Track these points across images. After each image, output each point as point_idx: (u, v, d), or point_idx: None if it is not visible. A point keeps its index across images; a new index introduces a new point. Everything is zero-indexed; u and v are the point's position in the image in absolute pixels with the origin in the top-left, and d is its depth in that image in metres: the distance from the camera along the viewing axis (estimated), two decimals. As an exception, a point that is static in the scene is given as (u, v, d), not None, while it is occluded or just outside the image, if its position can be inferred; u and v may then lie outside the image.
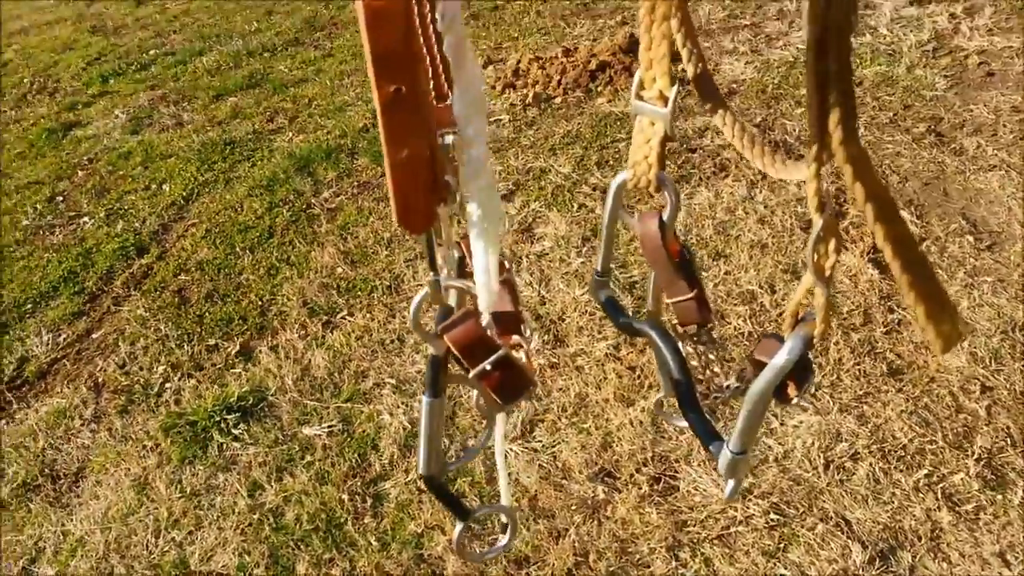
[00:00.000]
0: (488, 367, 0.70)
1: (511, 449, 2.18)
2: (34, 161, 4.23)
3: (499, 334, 0.84)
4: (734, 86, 3.79)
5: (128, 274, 3.17)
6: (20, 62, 5.76)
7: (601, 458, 2.11)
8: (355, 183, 3.52)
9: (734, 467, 0.72)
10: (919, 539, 1.81)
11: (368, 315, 2.72)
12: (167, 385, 2.58)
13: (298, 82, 4.72)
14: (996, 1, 4.16)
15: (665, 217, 0.71)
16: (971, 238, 2.68)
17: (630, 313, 0.85)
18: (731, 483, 0.84)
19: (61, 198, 3.83)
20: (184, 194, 3.65)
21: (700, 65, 0.70)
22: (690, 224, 2.88)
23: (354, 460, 2.21)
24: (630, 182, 0.70)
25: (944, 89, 3.52)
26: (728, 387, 0.84)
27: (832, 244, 0.61)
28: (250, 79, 4.85)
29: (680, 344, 0.79)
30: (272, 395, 2.46)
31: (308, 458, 2.23)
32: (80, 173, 4.03)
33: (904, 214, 2.79)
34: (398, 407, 2.34)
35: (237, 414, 2.38)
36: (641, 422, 2.17)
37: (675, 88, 0.63)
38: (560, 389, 2.32)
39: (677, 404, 0.78)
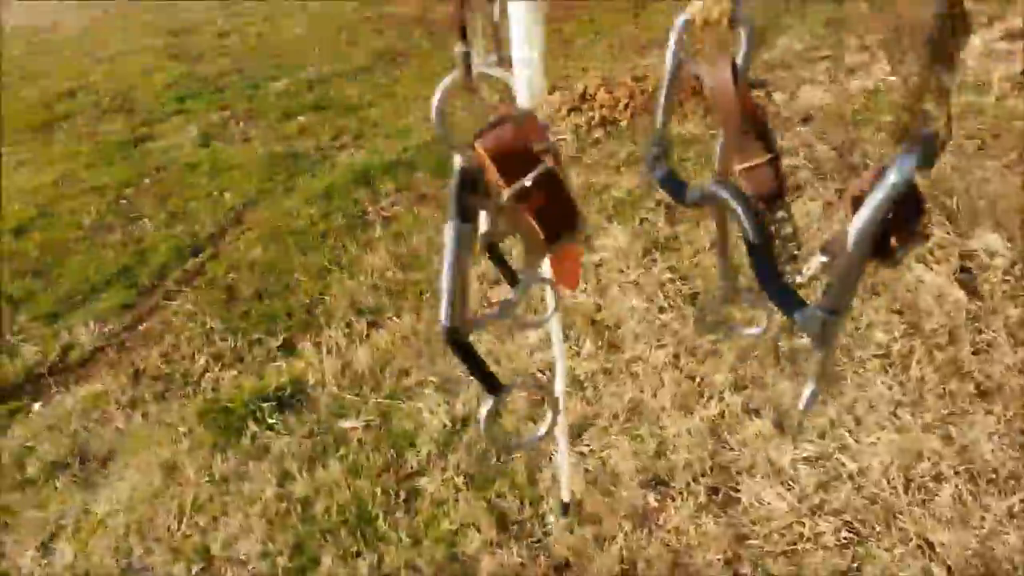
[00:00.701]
0: (528, 183, 0.56)
1: (555, 451, 2.02)
2: (104, 169, 4.31)
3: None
4: (811, 112, 3.64)
5: (181, 271, 3.15)
6: (102, 84, 5.97)
7: (655, 465, 1.93)
8: (413, 195, 3.47)
9: (826, 332, 0.57)
10: (1015, 568, 1.58)
11: (415, 316, 2.62)
12: (207, 375, 2.51)
13: (365, 106, 4.75)
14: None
15: (739, 60, 0.60)
16: (1069, 264, 2.45)
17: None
18: (810, 384, 0.69)
19: (125, 201, 3.87)
20: (244, 201, 3.66)
21: None
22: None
23: (390, 455, 2.08)
24: (699, 16, 0.58)
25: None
26: (808, 269, 0.69)
27: (960, 19, 0.48)
28: (319, 102, 4.91)
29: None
30: (311, 387, 2.36)
31: (342, 451, 2.11)
32: (146, 180, 4.09)
33: (994, 237, 2.59)
34: (440, 405, 2.21)
35: (273, 403, 2.29)
36: (700, 431, 2.00)
37: None
38: (613, 394, 2.17)
39: (754, 273, 0.63)
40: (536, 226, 0.58)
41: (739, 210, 0.63)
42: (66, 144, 4.82)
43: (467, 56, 0.54)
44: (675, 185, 0.70)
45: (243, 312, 2.80)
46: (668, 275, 2.64)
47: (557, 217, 0.59)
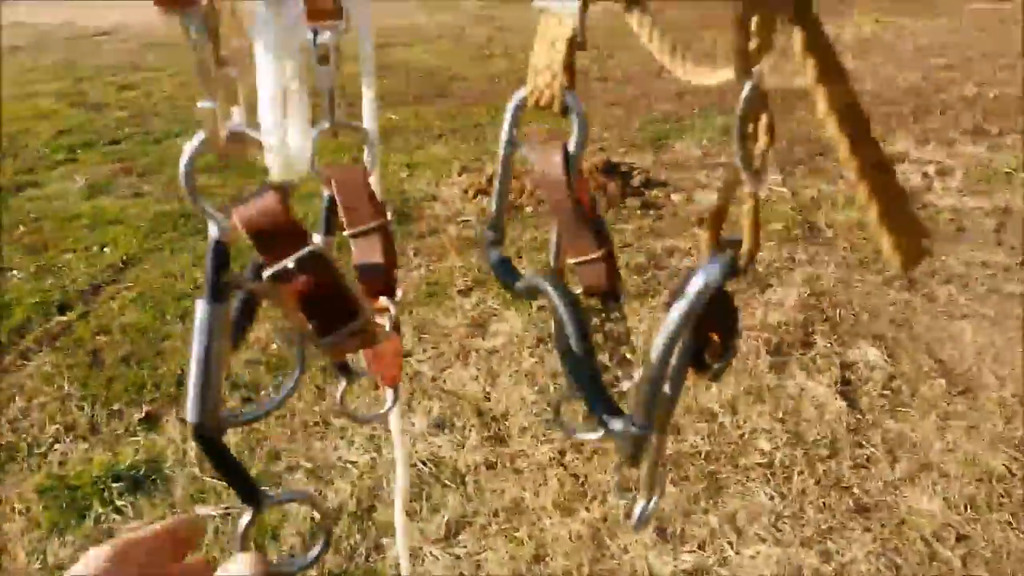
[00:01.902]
0: (291, 265, 0.48)
1: (430, 553, 1.90)
2: (-24, 214, 4.02)
3: (363, 293, 0.63)
4: (705, 215, 3.75)
5: (43, 330, 2.90)
6: (-9, 125, 5.65)
7: (531, 572, 1.84)
8: (308, 265, 3.35)
9: (637, 451, 0.51)
10: None
11: (295, 395, 2.47)
12: (56, 446, 2.28)
13: (267, 169, 4.63)
14: (967, 166, 4.26)
15: (571, 147, 0.55)
16: (943, 381, 2.54)
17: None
18: (640, 500, 0.63)
19: (-7, 250, 3.60)
20: (124, 258, 3.45)
21: None
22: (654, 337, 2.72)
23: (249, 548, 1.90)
24: (530, 98, 0.53)
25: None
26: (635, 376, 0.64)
27: (764, 121, 0.44)
28: (217, 163, 4.75)
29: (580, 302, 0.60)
30: (169, 467, 2.16)
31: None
32: (21, 229, 3.82)
33: (874, 351, 2.68)
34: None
35: (125, 484, 2.08)
36: (580, 535, 1.92)
37: None
38: (494, 491, 2.07)
39: (567, 373, 0.57)
40: (301, 317, 0.50)
41: (559, 306, 0.57)
42: (-62, 183, 4.49)
43: (212, 114, 0.46)
44: (506, 273, 0.64)
45: (106, 379, 2.58)
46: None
47: (328, 308, 0.51)
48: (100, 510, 2.01)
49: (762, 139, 0.42)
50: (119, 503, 2.03)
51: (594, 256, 0.58)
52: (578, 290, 0.61)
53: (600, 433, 0.57)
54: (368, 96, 0.73)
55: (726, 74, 0.45)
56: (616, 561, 1.86)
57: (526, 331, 2.78)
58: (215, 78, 0.45)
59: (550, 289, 0.56)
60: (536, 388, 2.48)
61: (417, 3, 10.52)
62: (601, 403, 0.54)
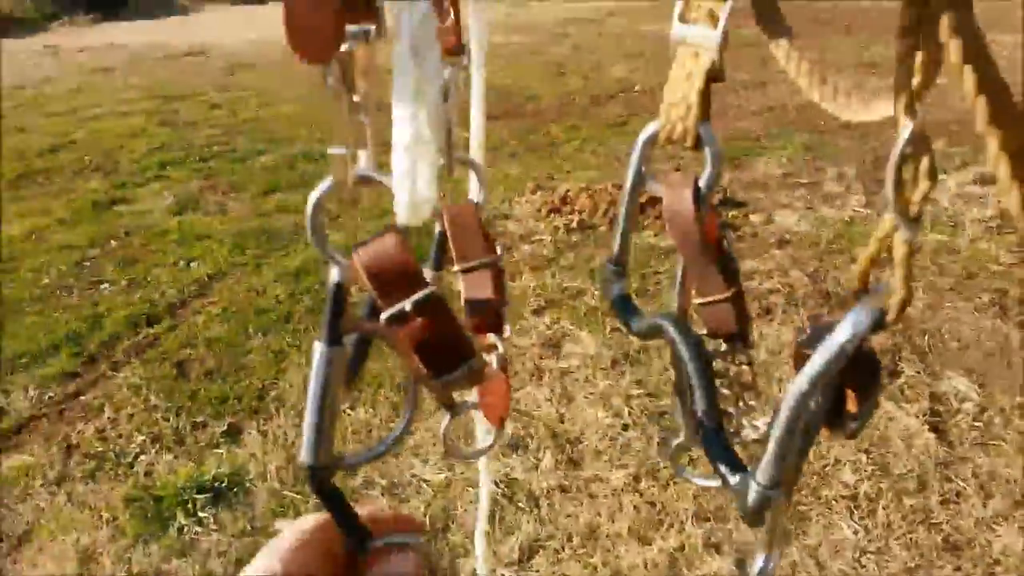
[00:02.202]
0: (408, 308, 0.49)
1: (503, 575, 1.89)
2: (72, 228, 4.22)
3: (471, 328, 0.62)
4: (787, 236, 3.67)
5: (133, 342, 3.03)
6: (86, 143, 5.94)
7: (605, 599, 1.81)
8: (383, 282, 3.40)
9: (762, 509, 0.49)
10: None
11: (371, 410, 2.51)
12: (142, 457, 2.37)
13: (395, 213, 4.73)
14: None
15: (702, 183, 0.52)
16: (1039, 414, 2.42)
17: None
18: (760, 556, 0.59)
19: (88, 263, 3.77)
20: (210, 273, 3.57)
21: None
22: (729, 361, 2.66)
23: (325, 564, 1.94)
24: (662, 132, 0.51)
25: (1010, 264, 3.35)
26: (763, 426, 0.60)
27: (924, 164, 0.41)
28: (302, 179, 4.90)
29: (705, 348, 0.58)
30: (251, 480, 2.22)
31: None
32: (113, 243, 4.00)
33: (964, 381, 2.56)
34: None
35: (209, 495, 2.15)
36: (657, 564, 1.88)
37: (728, 3, 0.47)
38: (568, 515, 2.05)
39: (686, 419, 0.55)
40: (416, 361, 0.50)
41: (681, 350, 0.56)
42: (40, 200, 4.74)
43: (344, 160, 0.46)
44: (627, 311, 0.62)
45: (191, 391, 2.67)
46: (636, 389, 2.57)
47: (442, 351, 0.51)
48: (183, 521, 2.07)
49: (922, 184, 0.40)
50: (202, 515, 2.09)
51: (722, 296, 0.55)
52: (702, 331, 0.59)
53: (718, 483, 0.55)
54: (477, 128, 0.73)
55: (884, 109, 0.43)
56: (693, 592, 1.82)
57: (600, 352, 2.76)
58: (348, 124, 0.46)
59: (672, 331, 0.55)
60: (611, 411, 2.46)
61: (493, 22, 10.66)
62: (723, 456, 0.52)
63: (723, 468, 0.50)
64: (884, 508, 2.05)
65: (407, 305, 0.47)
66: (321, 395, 0.48)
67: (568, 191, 4.15)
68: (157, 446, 2.40)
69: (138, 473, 2.29)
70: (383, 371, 2.72)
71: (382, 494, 2.15)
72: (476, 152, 0.74)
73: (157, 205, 4.55)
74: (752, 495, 0.47)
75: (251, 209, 4.45)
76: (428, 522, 2.06)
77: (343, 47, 0.42)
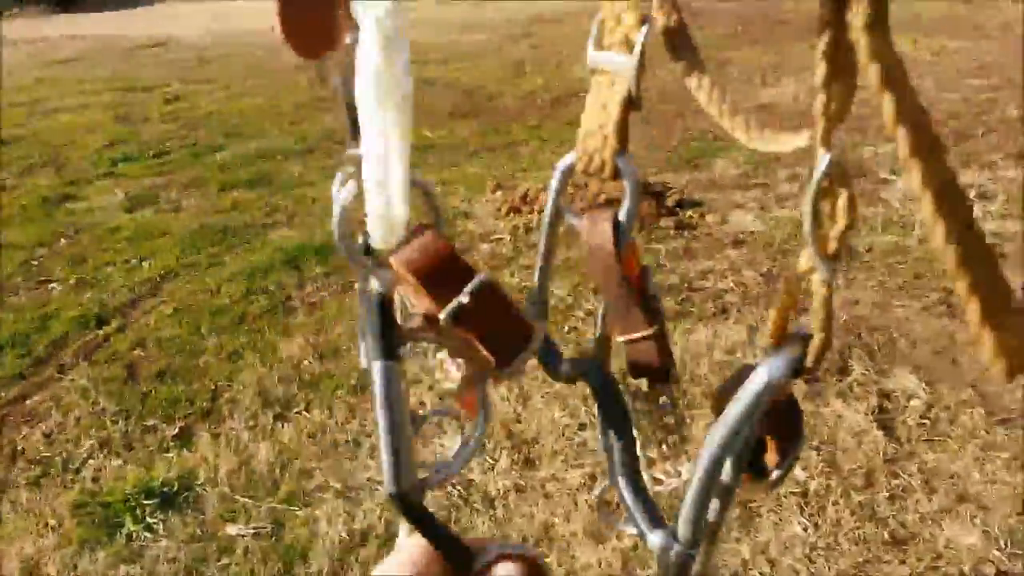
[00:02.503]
0: (466, 300, 0.45)
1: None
2: (21, 226, 4.12)
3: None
4: (742, 236, 3.72)
5: (81, 343, 2.96)
6: (39, 138, 5.80)
7: (559, 600, 1.82)
8: (342, 280, 3.38)
9: (682, 571, 0.47)
10: None
11: (327, 412, 2.48)
12: (90, 461, 2.32)
13: (305, 184, 4.69)
14: (1008, 190, 4.17)
15: (621, 216, 0.50)
16: (982, 411, 2.48)
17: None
18: None
19: (36, 262, 3.68)
20: (163, 272, 3.51)
21: (674, 15, 0.50)
22: (687, 360, 2.68)
23: (277, 569, 1.91)
24: (579, 164, 0.49)
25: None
26: (684, 472, 0.60)
27: (843, 199, 0.39)
28: (258, 176, 4.83)
29: (623, 396, 0.57)
30: (201, 485, 2.18)
31: (225, 560, 1.94)
32: (63, 241, 3.91)
33: (912, 378, 2.62)
34: (339, 515, 2.07)
35: (158, 500, 2.11)
36: (611, 563, 1.90)
37: (644, 28, 0.44)
38: (524, 516, 2.06)
39: (608, 475, 0.54)
40: (484, 353, 0.47)
41: (603, 401, 0.55)
42: (-15, 196, 4.62)
43: (358, 160, 0.44)
44: (549, 355, 0.59)
45: (142, 394, 2.62)
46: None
47: (509, 335, 0.47)
48: (131, 527, 2.03)
49: (840, 220, 0.38)
50: (150, 520, 2.05)
51: (644, 335, 0.53)
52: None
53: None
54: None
55: (797, 141, 0.41)
56: (646, 591, 1.84)
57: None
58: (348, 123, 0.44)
59: (593, 380, 0.53)
60: (568, 410, 2.47)
61: (453, 21, 10.60)
62: (641, 511, 0.50)
63: (641, 523, 0.50)
64: (833, 504, 2.09)
65: (464, 298, 0.45)
66: (391, 415, 0.46)
67: (528, 190, 4.15)
68: (105, 451, 2.35)
69: (85, 479, 2.24)
70: (338, 372, 2.70)
71: (336, 497, 2.13)
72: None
73: (109, 202, 4.46)
74: (671, 558, 0.46)
75: (207, 206, 4.38)
76: (381, 525, 2.05)
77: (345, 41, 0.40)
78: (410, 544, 0.46)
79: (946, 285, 3.25)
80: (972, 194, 4.14)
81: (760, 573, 1.88)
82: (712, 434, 0.43)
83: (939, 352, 2.79)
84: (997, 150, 4.50)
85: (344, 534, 2.00)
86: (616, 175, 0.47)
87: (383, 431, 0.46)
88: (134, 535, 2.02)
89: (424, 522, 0.48)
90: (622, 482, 0.52)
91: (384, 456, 0.46)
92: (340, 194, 0.45)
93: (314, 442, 2.36)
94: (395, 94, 0.40)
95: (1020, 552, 1.95)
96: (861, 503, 2.10)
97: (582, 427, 2.39)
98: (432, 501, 2.10)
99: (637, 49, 0.44)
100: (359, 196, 0.47)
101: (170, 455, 2.31)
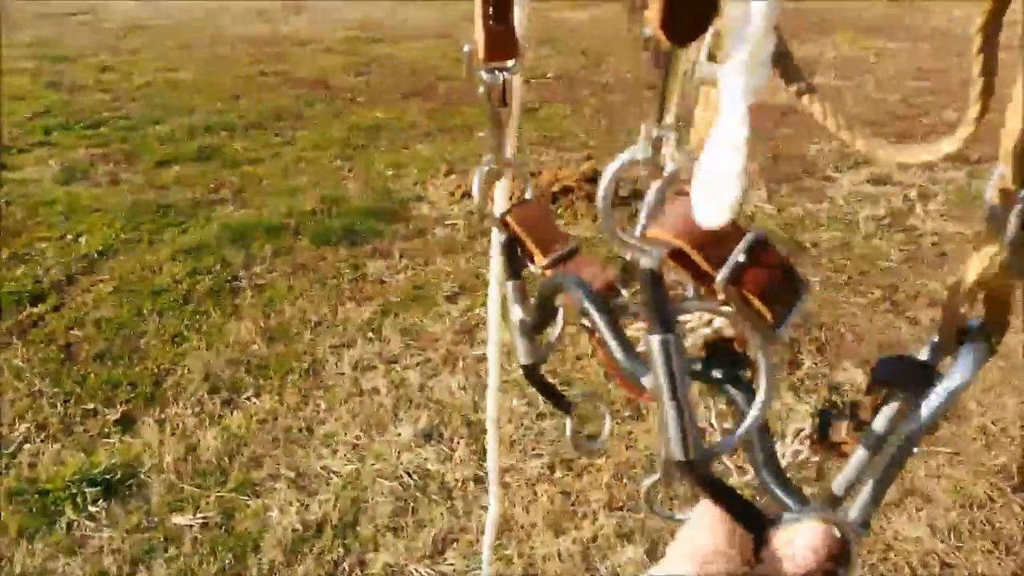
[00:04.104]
0: (742, 258, 0.45)
1: (415, 571, 1.86)
2: (-55, 195, 3.89)
3: None
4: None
5: (15, 321, 2.81)
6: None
7: (519, 592, 1.81)
8: (291, 262, 3.28)
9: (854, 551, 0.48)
10: None
11: (277, 398, 2.41)
12: (26, 446, 2.20)
13: (252, 161, 4.54)
14: (948, 191, 4.30)
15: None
16: (927, 406, 2.55)
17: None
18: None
19: (-37, 235, 3.48)
20: (100, 248, 3.35)
21: (781, 42, 0.55)
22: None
23: (227, 561, 1.85)
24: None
25: (899, 261, 3.52)
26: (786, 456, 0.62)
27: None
28: (201, 151, 4.66)
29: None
30: (145, 473, 2.10)
31: (172, 551, 1.87)
32: (-8, 214, 3.71)
33: (859, 372, 2.68)
34: (291, 504, 2.01)
35: (99, 488, 2.01)
36: (571, 554, 1.89)
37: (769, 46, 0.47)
38: (483, 506, 2.03)
39: (756, 460, 0.55)
40: (764, 309, 0.46)
41: (739, 402, 0.56)
42: (-95, 163, 4.34)
43: (659, 139, 0.45)
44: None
45: (80, 376, 2.50)
46: (551, 378, 2.56)
47: (786, 290, 0.47)
48: (72, 516, 1.94)
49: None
50: (92, 509, 1.96)
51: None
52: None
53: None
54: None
55: (923, 155, 0.47)
56: (606, 583, 1.84)
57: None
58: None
59: (732, 390, 0.57)
60: (526, 399, 2.45)
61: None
62: (795, 497, 0.53)
63: (791, 504, 0.53)
64: (786, 497, 2.12)
65: (740, 256, 0.44)
66: (673, 386, 0.46)
67: None
68: (43, 435, 2.24)
69: (21, 464, 2.13)
70: (289, 356, 2.63)
71: (288, 487, 2.07)
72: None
73: (43, 174, 4.24)
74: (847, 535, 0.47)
75: (145, 181, 4.20)
76: (336, 515, 2.00)
77: None
78: (703, 511, 0.47)
79: (889, 282, 3.34)
80: (913, 194, 4.26)
81: None
82: (899, 425, 0.48)
83: (884, 346, 2.87)
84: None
85: (298, 524, 1.95)
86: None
87: (667, 404, 0.47)
88: (75, 524, 1.92)
89: (716, 488, 0.49)
90: (769, 476, 0.54)
91: (671, 428, 0.47)
92: (611, 166, 0.47)
93: (264, 429, 2.29)
94: (760, 83, 0.42)
95: (961, 544, 2.02)
96: (812, 496, 2.14)
97: (540, 416, 2.38)
98: (388, 490, 2.07)
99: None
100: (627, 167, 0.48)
101: (112, 440, 2.21)
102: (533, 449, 2.24)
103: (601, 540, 1.95)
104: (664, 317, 0.46)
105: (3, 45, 7.45)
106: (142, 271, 3.18)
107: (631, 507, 2.05)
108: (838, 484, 0.53)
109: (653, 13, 0.38)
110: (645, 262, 0.46)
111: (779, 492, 0.53)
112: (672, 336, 0.46)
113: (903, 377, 0.49)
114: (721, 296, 0.46)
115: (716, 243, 0.46)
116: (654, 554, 1.91)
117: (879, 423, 0.50)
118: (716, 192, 0.41)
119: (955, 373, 0.45)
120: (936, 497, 2.16)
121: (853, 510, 0.49)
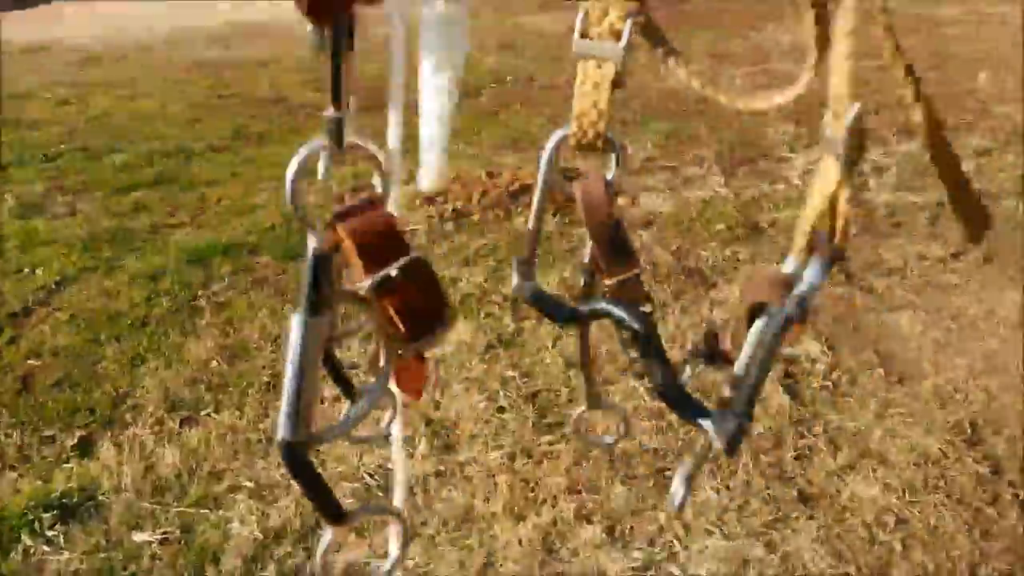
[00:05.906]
0: (394, 274, 0.49)
1: (378, 567, 1.86)
2: (-101, 237, 3.85)
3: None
4: (651, 217, 3.78)
5: (-30, 356, 2.79)
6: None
7: (481, 580, 1.82)
8: (251, 278, 3.29)
9: (741, 437, 0.58)
10: None
11: (237, 413, 2.41)
12: (-18, 477, 2.19)
13: (210, 183, 4.53)
14: (901, 164, 4.36)
15: (610, 177, 0.62)
16: (882, 371, 2.60)
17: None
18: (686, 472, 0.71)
19: (-83, 274, 3.45)
20: (57, 279, 3.33)
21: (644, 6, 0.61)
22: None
23: (187, 573, 1.85)
24: (573, 137, 0.59)
25: (854, 234, 3.57)
26: (688, 375, 0.68)
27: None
28: (160, 177, 4.64)
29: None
30: (103, 494, 2.09)
31: (132, 568, 1.86)
32: (-53, 252, 3.68)
33: (815, 344, 2.72)
34: (252, 514, 2.01)
35: (56, 512, 2.00)
36: (531, 540, 1.90)
37: (630, 21, 0.54)
38: (443, 500, 2.05)
39: (656, 383, 0.61)
40: (399, 325, 0.50)
41: (636, 325, 0.59)
42: None
43: (339, 123, 0.47)
44: (550, 304, 0.66)
45: (38, 404, 2.49)
46: (511, 372, 2.59)
47: (425, 313, 0.52)
48: (29, 542, 1.93)
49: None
50: (50, 533, 1.95)
51: (632, 273, 0.63)
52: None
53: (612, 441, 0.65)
54: (394, 119, 0.75)
55: (778, 98, 0.56)
56: (567, 563, 1.85)
57: (475, 338, 2.76)
58: (347, 89, 0.48)
59: (616, 310, 0.59)
60: (486, 394, 2.47)
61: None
62: (698, 410, 0.59)
63: (701, 420, 0.59)
64: (744, 467, 2.15)
65: (392, 271, 0.48)
66: (300, 366, 0.47)
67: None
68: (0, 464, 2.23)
69: (-23, 495, 2.12)
70: (251, 371, 2.63)
71: (249, 497, 2.07)
72: (393, 137, 0.80)
73: (-3, 209, 4.22)
74: (735, 428, 0.56)
75: (104, 209, 4.18)
76: (299, 523, 2.00)
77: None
78: None
79: (846, 254, 3.39)
80: (866, 168, 4.32)
81: (676, 537, 1.92)
82: (764, 331, 0.53)
83: (838, 319, 2.91)
84: (890, 126, 4.70)
85: (258, 532, 1.95)
86: (607, 147, 0.57)
87: (289, 381, 0.49)
88: (32, 550, 1.91)
89: (304, 471, 0.52)
90: (671, 395, 0.60)
91: (284, 405, 0.49)
92: (299, 152, 0.49)
93: (224, 443, 2.29)
94: (456, 56, 0.46)
95: (916, 500, 2.05)
96: (770, 464, 2.17)
97: (501, 410, 2.40)
98: (350, 492, 2.08)
99: (626, 35, 0.53)
100: (314, 157, 0.50)
101: (70, 465, 2.20)
102: (494, 441, 2.25)
103: (561, 524, 1.96)
104: (314, 300, 0.49)
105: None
106: (99, 298, 3.17)
107: (591, 488, 2.07)
108: (727, 386, 0.60)
109: None
110: (312, 244, 0.49)
111: (681, 409, 0.60)
112: (317, 320, 0.49)
113: (768, 288, 0.54)
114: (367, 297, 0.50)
115: (381, 253, 0.50)
116: (613, 533, 1.93)
117: (754, 329, 0.56)
118: (430, 160, 0.45)
119: (809, 278, 0.52)
120: (891, 458, 2.20)
121: (737, 401, 0.55)
